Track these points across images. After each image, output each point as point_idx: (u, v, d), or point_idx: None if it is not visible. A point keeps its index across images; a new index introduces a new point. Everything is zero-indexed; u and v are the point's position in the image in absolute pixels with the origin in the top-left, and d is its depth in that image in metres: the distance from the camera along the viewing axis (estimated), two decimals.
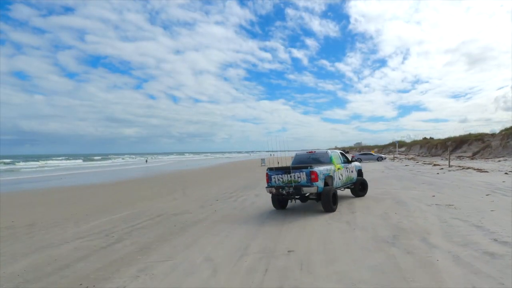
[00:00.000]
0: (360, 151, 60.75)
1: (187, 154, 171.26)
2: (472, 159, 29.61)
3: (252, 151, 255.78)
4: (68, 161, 68.02)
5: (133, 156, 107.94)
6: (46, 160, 69.28)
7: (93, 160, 78.02)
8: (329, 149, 10.97)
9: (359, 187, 11.19)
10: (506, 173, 15.32)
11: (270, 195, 9.28)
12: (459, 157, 30.98)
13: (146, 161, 70.39)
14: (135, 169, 41.66)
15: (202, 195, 13.90)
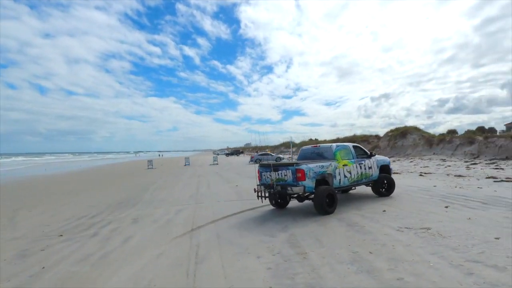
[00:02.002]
0: (258, 152, 61.14)
1: (67, 154, 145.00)
2: None
3: (139, 151, 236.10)
4: None
5: None
6: None
7: None
8: (342, 142, 9.53)
9: (382, 185, 9.58)
10: (420, 175, 14.82)
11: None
12: None
13: None
14: None
15: (42, 221, 8.32)
